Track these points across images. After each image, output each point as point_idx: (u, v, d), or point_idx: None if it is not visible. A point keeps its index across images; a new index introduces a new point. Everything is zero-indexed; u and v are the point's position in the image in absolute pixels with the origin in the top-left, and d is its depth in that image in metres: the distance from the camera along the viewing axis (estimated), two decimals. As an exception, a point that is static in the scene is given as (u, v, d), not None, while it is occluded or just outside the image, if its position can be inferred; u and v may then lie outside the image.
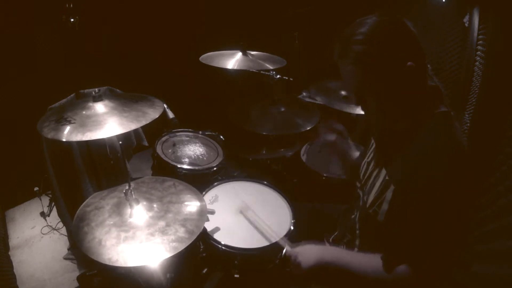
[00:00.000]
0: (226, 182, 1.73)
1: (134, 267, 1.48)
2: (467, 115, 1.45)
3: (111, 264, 1.07)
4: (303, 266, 1.20)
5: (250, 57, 1.96)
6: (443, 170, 0.95)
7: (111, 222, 1.23)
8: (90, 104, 1.24)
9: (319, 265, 1.18)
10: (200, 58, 1.92)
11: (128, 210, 1.26)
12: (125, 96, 1.40)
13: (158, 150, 1.94)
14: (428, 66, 1.04)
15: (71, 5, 1.84)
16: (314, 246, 1.26)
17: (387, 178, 1.08)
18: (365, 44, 0.94)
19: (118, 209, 1.28)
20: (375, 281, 1.10)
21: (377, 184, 1.12)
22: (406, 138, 1.07)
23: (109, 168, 2.10)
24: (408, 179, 0.99)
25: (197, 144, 2.10)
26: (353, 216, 1.31)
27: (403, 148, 1.07)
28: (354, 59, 0.96)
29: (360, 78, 0.98)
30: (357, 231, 1.25)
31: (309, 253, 1.22)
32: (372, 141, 1.30)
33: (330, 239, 1.43)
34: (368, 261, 1.12)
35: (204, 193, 1.61)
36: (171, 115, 2.25)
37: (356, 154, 1.52)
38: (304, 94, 2.38)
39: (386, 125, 1.13)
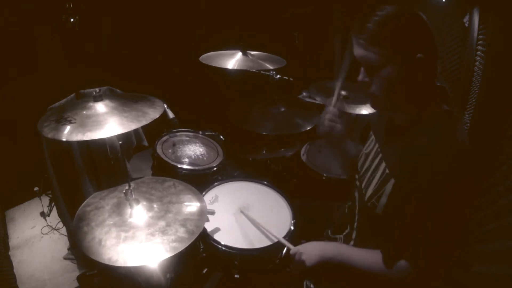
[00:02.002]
0: (226, 182, 1.73)
1: (134, 267, 1.49)
2: (467, 115, 1.45)
3: (111, 264, 1.07)
4: (307, 264, 1.22)
5: (250, 57, 1.96)
6: (445, 168, 0.95)
7: (111, 222, 1.23)
8: (90, 104, 1.24)
9: (322, 261, 1.20)
10: (200, 58, 1.92)
11: (128, 210, 1.26)
12: (125, 96, 1.40)
13: (158, 150, 1.94)
14: (438, 68, 1.05)
15: (71, 5, 1.84)
16: (316, 243, 1.28)
17: (387, 171, 1.09)
18: (381, 25, 0.97)
19: (118, 209, 1.28)
20: (375, 276, 1.11)
21: (377, 177, 1.13)
22: (407, 132, 1.07)
23: (109, 168, 2.10)
24: (409, 175, 0.99)
25: (197, 144, 2.10)
26: (347, 205, 1.32)
27: (403, 142, 1.07)
28: (368, 37, 0.98)
29: (370, 57, 1.00)
30: (355, 223, 1.25)
31: (311, 250, 1.24)
32: (371, 133, 1.30)
33: (329, 232, 1.44)
34: (369, 256, 1.13)
35: (204, 193, 1.61)
36: (171, 115, 2.25)
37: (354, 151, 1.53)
38: (304, 94, 2.38)
39: (385, 108, 1.14)
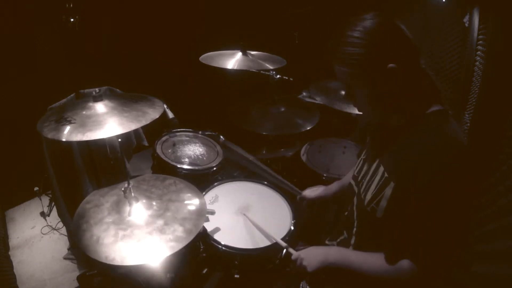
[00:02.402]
0: (226, 182, 1.73)
1: (134, 267, 1.49)
2: (467, 115, 1.45)
3: (107, 262, 1.07)
4: (309, 270, 1.22)
5: (250, 57, 1.96)
6: (446, 168, 0.95)
7: (110, 220, 1.23)
8: (90, 104, 1.24)
9: (323, 267, 1.21)
10: (200, 58, 1.92)
11: (127, 208, 1.26)
12: (125, 96, 1.40)
13: (158, 150, 1.94)
14: (423, 65, 1.05)
15: (71, 5, 1.84)
16: (317, 249, 1.28)
17: (386, 175, 1.08)
18: (345, 46, 0.99)
19: (117, 207, 1.28)
20: (379, 280, 1.10)
21: (376, 181, 1.12)
22: (402, 135, 1.07)
23: (109, 168, 2.10)
24: (409, 176, 0.99)
25: (197, 144, 2.10)
26: (346, 213, 1.32)
27: (399, 145, 1.08)
28: (342, 60, 1.01)
29: (349, 77, 1.03)
30: (354, 229, 1.25)
31: (313, 256, 1.24)
32: (368, 139, 1.30)
33: (326, 241, 1.43)
34: (372, 260, 1.13)
35: (204, 193, 1.61)
36: (171, 115, 2.25)
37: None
38: (304, 94, 2.38)
39: (375, 119, 1.16)
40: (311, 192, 1.62)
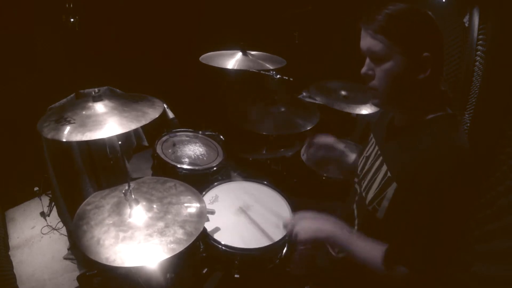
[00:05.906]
0: (226, 182, 1.73)
1: (134, 267, 1.49)
2: (467, 115, 1.45)
3: (108, 263, 1.07)
4: (300, 237, 1.16)
5: (250, 57, 1.96)
6: (448, 173, 0.94)
7: (110, 222, 1.23)
8: (90, 104, 1.24)
9: (317, 238, 1.15)
10: (200, 58, 1.92)
11: (128, 210, 1.26)
12: (125, 96, 1.40)
13: (158, 150, 1.94)
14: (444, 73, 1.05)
15: (71, 5, 1.84)
16: (312, 222, 1.20)
17: (389, 175, 1.07)
18: (393, 17, 0.97)
19: (118, 208, 1.28)
20: (371, 273, 1.08)
21: (378, 180, 1.11)
22: (409, 134, 1.06)
23: (109, 168, 2.10)
24: (411, 177, 0.98)
25: (197, 144, 2.10)
26: (349, 210, 1.31)
27: (405, 145, 1.07)
28: (377, 27, 0.98)
29: (377, 47, 1.00)
30: (356, 227, 1.25)
31: (307, 223, 1.19)
32: (371, 136, 1.29)
33: None
34: (369, 249, 1.09)
35: (204, 193, 1.61)
36: (171, 115, 2.25)
37: (351, 157, 1.53)
38: (304, 94, 2.38)
39: (383, 104, 1.12)
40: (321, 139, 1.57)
